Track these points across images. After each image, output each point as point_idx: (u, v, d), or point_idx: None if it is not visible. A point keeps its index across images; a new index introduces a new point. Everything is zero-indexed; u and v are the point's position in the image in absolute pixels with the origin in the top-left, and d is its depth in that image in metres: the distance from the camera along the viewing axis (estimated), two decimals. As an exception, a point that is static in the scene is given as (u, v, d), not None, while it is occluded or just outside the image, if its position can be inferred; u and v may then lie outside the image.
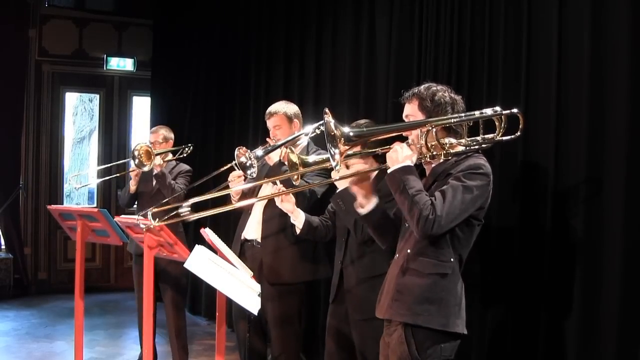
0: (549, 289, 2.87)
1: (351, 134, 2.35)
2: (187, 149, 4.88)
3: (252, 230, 3.76)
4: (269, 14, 5.66)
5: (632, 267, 2.52)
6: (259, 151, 3.52)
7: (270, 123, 3.74)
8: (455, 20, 3.49)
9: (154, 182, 4.53)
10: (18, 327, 5.97)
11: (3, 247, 7.52)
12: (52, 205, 4.50)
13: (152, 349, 3.55)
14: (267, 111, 3.76)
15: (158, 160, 4.48)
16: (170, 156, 4.75)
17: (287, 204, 3.29)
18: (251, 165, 3.44)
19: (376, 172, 2.91)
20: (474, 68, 3.39)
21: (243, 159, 3.46)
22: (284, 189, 3.25)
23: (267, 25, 5.67)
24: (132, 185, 4.63)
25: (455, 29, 3.50)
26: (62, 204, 7.84)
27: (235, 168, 3.56)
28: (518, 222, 3.05)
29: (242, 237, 3.79)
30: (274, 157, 3.59)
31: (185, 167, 4.73)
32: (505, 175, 3.14)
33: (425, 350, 2.35)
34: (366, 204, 2.62)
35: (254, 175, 3.47)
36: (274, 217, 3.64)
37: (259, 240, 3.71)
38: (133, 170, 4.59)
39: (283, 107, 3.73)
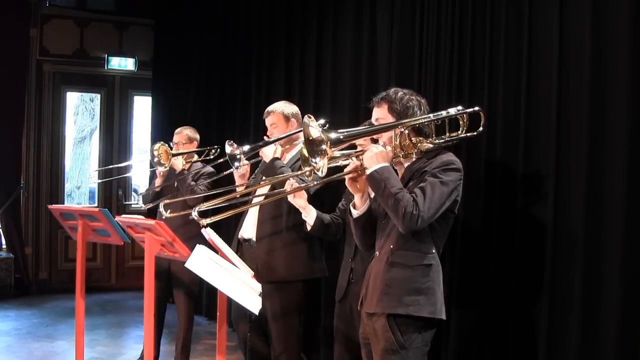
0: (550, 287, 2.87)
1: (332, 137, 2.44)
2: (213, 150, 4.83)
3: (249, 229, 3.78)
4: (269, 13, 5.66)
5: (633, 265, 2.51)
6: (246, 147, 3.68)
7: (267, 121, 3.84)
8: (457, 19, 3.49)
9: (175, 182, 4.56)
10: (19, 327, 5.97)
11: (4, 246, 7.52)
12: (53, 205, 4.50)
13: (152, 349, 3.55)
14: (266, 110, 3.87)
15: (180, 160, 4.55)
16: (195, 157, 4.75)
17: (300, 200, 3.24)
18: (240, 159, 3.63)
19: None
20: (475, 67, 3.38)
21: (230, 150, 3.65)
22: (296, 184, 3.21)
23: (267, 23, 5.68)
24: (158, 183, 4.67)
25: (456, 27, 3.49)
26: (63, 203, 7.83)
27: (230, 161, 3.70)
28: (519, 221, 3.05)
29: (240, 236, 3.82)
30: (268, 154, 3.66)
31: (208, 169, 4.69)
32: (507, 175, 3.14)
33: (410, 336, 2.49)
34: (361, 206, 2.70)
35: (239, 169, 3.67)
36: (270, 215, 3.69)
37: (255, 239, 3.73)
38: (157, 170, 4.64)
39: (281, 107, 3.83)
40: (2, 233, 7.53)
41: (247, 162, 3.73)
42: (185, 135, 4.76)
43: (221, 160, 4.10)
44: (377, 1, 4.23)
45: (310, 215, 3.29)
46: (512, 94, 3.11)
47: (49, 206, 4.44)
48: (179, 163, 4.59)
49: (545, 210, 2.90)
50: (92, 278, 7.37)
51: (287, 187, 3.19)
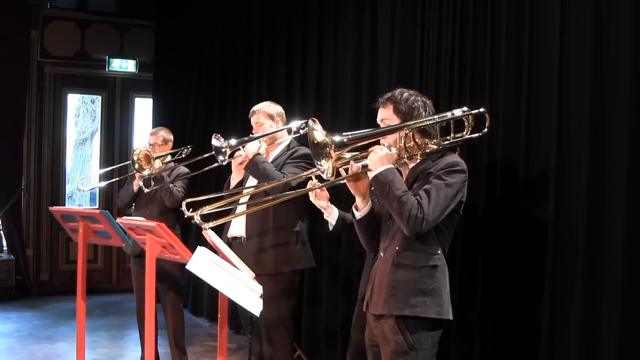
0: (551, 285, 2.87)
1: (336, 140, 2.45)
2: (185, 150, 4.82)
3: (238, 227, 3.85)
4: (271, 15, 5.66)
5: (633, 264, 2.51)
6: (233, 141, 3.76)
7: (252, 120, 3.98)
8: (458, 21, 3.49)
9: (152, 184, 4.51)
10: (20, 329, 5.98)
11: (5, 248, 7.52)
12: (54, 207, 4.51)
13: (154, 351, 3.55)
14: (251, 109, 4.00)
15: (157, 163, 4.49)
16: (169, 158, 4.73)
17: (321, 201, 3.15)
18: (224, 153, 3.72)
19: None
20: (476, 70, 3.38)
21: (217, 144, 3.73)
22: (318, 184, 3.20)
23: (269, 26, 5.68)
24: (136, 186, 4.59)
25: (457, 30, 3.50)
26: (64, 205, 7.84)
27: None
28: (520, 220, 3.05)
29: (229, 235, 3.88)
30: (251, 150, 3.75)
31: (183, 169, 4.63)
32: (507, 175, 3.14)
33: (419, 338, 2.49)
34: (362, 207, 2.70)
35: (224, 162, 3.75)
36: (258, 212, 3.74)
37: (245, 236, 3.81)
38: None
39: (265, 106, 3.96)
40: (3, 235, 7.54)
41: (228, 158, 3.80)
42: (161, 137, 4.71)
43: (198, 159, 4.20)
44: (378, 4, 4.24)
45: (332, 215, 3.21)
46: (513, 96, 3.11)
47: (50, 208, 4.45)
48: (157, 165, 4.51)
49: (546, 210, 2.90)
50: (93, 280, 7.38)
51: (309, 186, 3.17)
